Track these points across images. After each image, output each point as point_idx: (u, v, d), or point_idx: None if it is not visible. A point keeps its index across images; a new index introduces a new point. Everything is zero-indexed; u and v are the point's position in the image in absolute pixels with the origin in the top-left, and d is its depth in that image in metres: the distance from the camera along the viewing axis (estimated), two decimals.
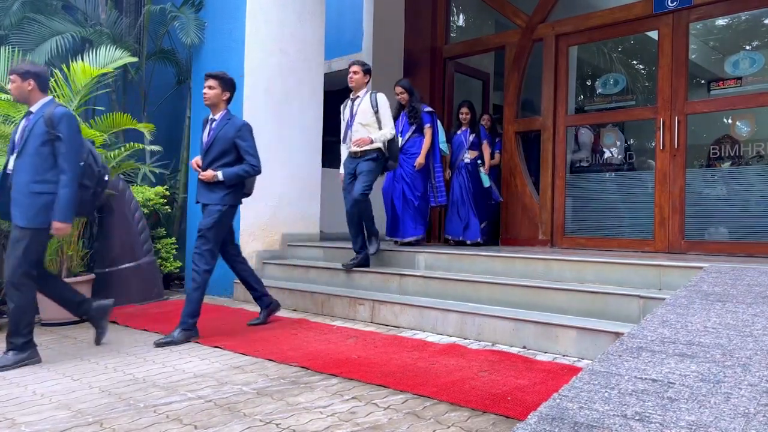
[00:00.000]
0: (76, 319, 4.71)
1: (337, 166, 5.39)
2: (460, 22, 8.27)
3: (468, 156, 6.22)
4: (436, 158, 5.81)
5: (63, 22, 6.20)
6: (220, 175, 4.04)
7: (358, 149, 4.88)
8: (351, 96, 5.06)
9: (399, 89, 5.71)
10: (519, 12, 6.58)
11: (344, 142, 5.06)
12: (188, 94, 6.82)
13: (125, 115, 5.35)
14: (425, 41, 7.40)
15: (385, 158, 5.02)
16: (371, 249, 5.14)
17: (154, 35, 7.05)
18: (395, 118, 5.62)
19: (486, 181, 6.31)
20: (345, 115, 5.08)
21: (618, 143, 6.25)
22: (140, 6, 6.98)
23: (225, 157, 4.10)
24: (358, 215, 4.94)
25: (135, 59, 5.77)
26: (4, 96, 4.54)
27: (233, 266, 4.48)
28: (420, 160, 5.57)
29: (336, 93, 8.28)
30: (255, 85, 5.82)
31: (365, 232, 5.09)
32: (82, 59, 5.13)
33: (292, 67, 6.11)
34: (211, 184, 4.08)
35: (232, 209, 4.20)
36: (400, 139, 5.56)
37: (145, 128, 5.48)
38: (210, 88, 4.11)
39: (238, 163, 4.12)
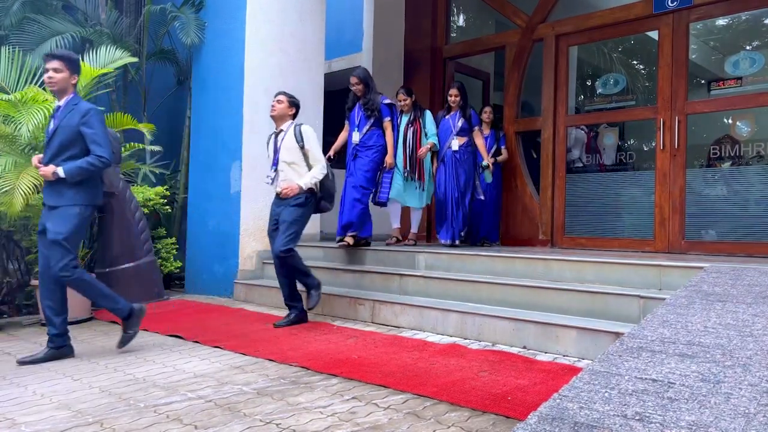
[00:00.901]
0: (76, 318, 4.72)
1: (337, 166, 5.38)
2: (460, 22, 8.26)
3: (456, 142, 5.68)
4: (393, 154, 5.42)
5: (63, 22, 6.21)
6: (60, 171, 3.39)
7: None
8: (275, 129, 4.53)
9: (354, 79, 5.31)
10: (519, 12, 6.58)
11: (269, 183, 4.47)
12: (188, 94, 6.82)
13: (125, 115, 5.36)
14: (425, 41, 7.40)
15: (317, 198, 4.47)
16: (310, 302, 4.40)
17: (154, 35, 7.05)
18: (349, 110, 5.45)
19: (487, 178, 5.95)
20: (269, 152, 4.55)
21: (615, 143, 6.25)
22: (140, 6, 6.98)
23: (70, 150, 3.47)
24: (286, 273, 4.33)
25: (135, 59, 5.78)
26: (4, 96, 4.54)
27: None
28: (389, 159, 5.30)
29: (336, 93, 8.29)
30: (255, 85, 5.82)
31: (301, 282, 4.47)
32: (83, 59, 5.13)
33: (292, 67, 6.11)
34: (56, 183, 3.44)
35: (89, 210, 3.56)
36: (356, 133, 5.31)
37: (146, 128, 5.48)
38: (55, 71, 3.47)
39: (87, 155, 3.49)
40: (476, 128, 5.75)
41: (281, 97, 4.51)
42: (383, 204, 5.61)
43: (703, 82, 5.71)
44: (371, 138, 5.28)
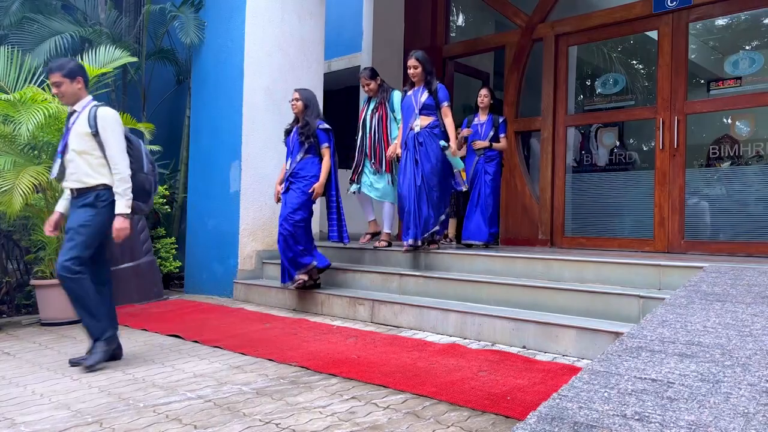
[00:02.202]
0: (75, 318, 4.72)
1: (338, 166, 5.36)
2: (460, 21, 8.27)
3: (418, 123, 4.84)
4: (332, 186, 4.92)
5: (62, 22, 6.20)
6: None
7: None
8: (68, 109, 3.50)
9: (295, 95, 4.85)
10: (519, 12, 6.58)
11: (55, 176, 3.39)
12: (188, 94, 6.82)
13: (125, 114, 5.35)
14: (425, 41, 7.40)
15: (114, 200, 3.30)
16: (89, 358, 3.25)
17: (154, 35, 7.05)
18: (287, 134, 4.95)
19: (457, 164, 5.00)
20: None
21: (614, 143, 6.25)
22: (140, 6, 6.98)
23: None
24: (72, 298, 3.22)
25: (134, 59, 5.78)
26: (3, 96, 4.54)
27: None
28: (317, 188, 4.73)
29: (336, 93, 8.30)
30: (255, 84, 5.82)
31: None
32: (82, 59, 5.14)
33: (291, 66, 6.11)
34: None
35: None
36: (288, 163, 4.81)
37: (145, 128, 5.48)
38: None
39: None
40: (444, 104, 4.86)
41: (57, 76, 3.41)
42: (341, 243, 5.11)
43: (702, 81, 5.71)
44: (305, 167, 4.78)
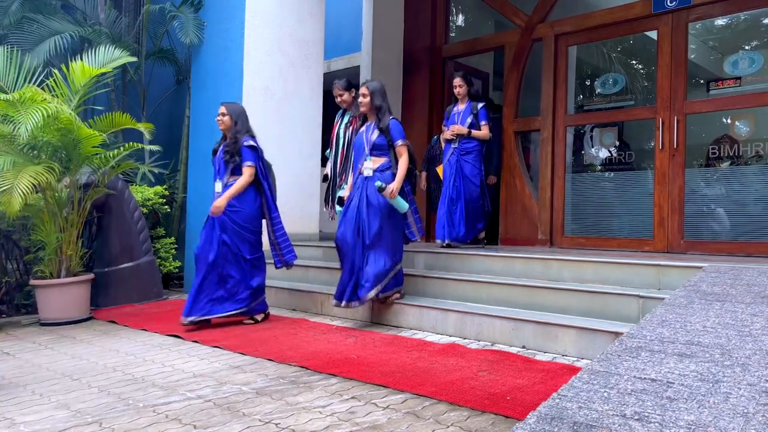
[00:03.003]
0: (74, 318, 4.72)
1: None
2: (460, 21, 8.26)
3: (368, 166, 4.21)
4: (273, 207, 4.46)
5: (62, 22, 6.20)
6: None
7: None
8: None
9: (222, 109, 4.42)
10: (518, 12, 6.57)
11: None
12: (187, 94, 6.82)
13: (124, 114, 5.35)
14: (425, 41, 7.39)
15: None
16: None
17: (154, 35, 7.05)
18: (214, 153, 4.53)
19: (401, 206, 4.14)
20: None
21: (614, 143, 6.24)
22: (139, 5, 6.98)
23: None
24: None
25: (134, 59, 5.77)
26: (3, 96, 4.54)
27: None
28: (219, 204, 4.22)
29: None
30: (254, 85, 5.82)
31: None
32: (81, 59, 5.13)
33: (291, 67, 6.11)
34: None
35: None
36: (218, 183, 4.38)
37: (145, 128, 5.48)
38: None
39: None
40: (399, 143, 4.17)
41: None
42: (289, 264, 4.52)
43: (702, 81, 5.71)
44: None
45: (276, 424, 2.36)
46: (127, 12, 6.96)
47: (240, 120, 4.42)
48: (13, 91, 4.73)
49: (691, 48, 5.49)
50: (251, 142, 4.36)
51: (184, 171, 6.77)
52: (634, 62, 6.64)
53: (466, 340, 3.86)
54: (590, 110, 6.38)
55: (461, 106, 5.54)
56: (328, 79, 7.01)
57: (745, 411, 1.52)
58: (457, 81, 5.53)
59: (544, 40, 6.29)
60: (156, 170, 6.66)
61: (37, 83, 5.01)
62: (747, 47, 5.47)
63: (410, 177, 4.37)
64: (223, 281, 4.31)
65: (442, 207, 5.46)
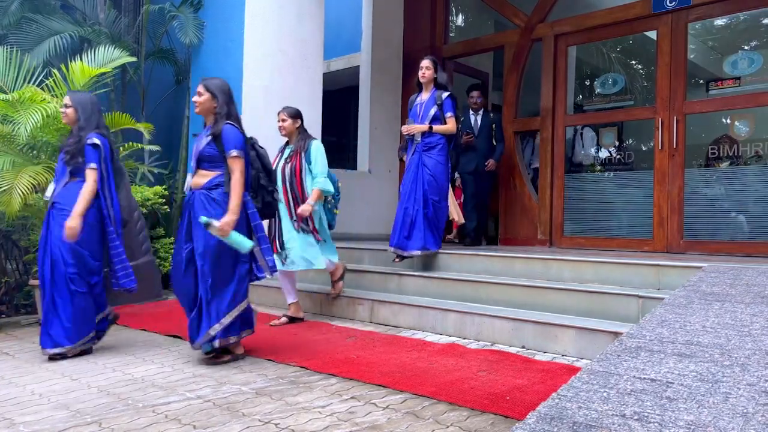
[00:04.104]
0: None
1: (337, 166, 5.30)
2: (460, 22, 8.26)
3: (187, 181, 3.52)
4: (108, 221, 3.61)
5: (61, 22, 6.21)
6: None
7: None
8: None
9: (66, 99, 3.70)
10: (518, 12, 6.57)
11: None
12: (187, 94, 6.82)
13: (124, 114, 5.35)
14: (424, 41, 7.39)
15: None
16: None
17: (153, 35, 7.05)
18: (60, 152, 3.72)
19: (242, 245, 3.20)
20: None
21: (613, 143, 6.25)
22: (139, 5, 6.98)
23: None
24: None
25: (134, 59, 5.77)
26: (2, 96, 4.54)
27: None
28: (71, 224, 3.35)
29: (335, 93, 8.28)
30: (254, 85, 5.81)
31: None
32: (81, 59, 5.13)
33: (290, 66, 6.10)
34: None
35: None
36: (51, 186, 3.68)
37: (144, 128, 5.48)
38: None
39: None
40: (233, 153, 3.27)
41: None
42: (130, 290, 3.82)
43: (701, 81, 5.71)
44: (66, 195, 3.52)
45: (276, 424, 2.36)
46: (127, 12, 6.96)
47: (87, 112, 3.65)
48: (13, 91, 4.73)
49: (690, 48, 5.49)
50: (95, 140, 3.55)
51: (183, 171, 6.78)
52: (633, 62, 6.65)
53: (466, 340, 3.86)
54: (590, 110, 6.39)
55: (425, 96, 4.83)
56: (328, 79, 7.01)
57: (745, 411, 1.52)
58: (425, 62, 4.79)
59: (544, 40, 6.29)
60: (155, 170, 6.66)
61: (37, 83, 5.01)
62: (746, 47, 5.47)
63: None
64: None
65: (399, 209, 4.76)
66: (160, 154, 6.58)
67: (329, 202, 4.41)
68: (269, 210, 3.67)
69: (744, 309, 2.54)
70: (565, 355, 3.46)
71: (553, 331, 3.56)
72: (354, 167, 7.31)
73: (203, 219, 3.11)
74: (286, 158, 4.33)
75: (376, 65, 7.36)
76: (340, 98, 8.45)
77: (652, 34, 5.70)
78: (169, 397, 2.74)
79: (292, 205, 4.25)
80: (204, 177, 3.34)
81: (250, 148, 3.50)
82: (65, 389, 2.90)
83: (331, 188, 4.29)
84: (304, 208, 4.15)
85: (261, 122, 5.84)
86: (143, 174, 6.51)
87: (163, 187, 6.36)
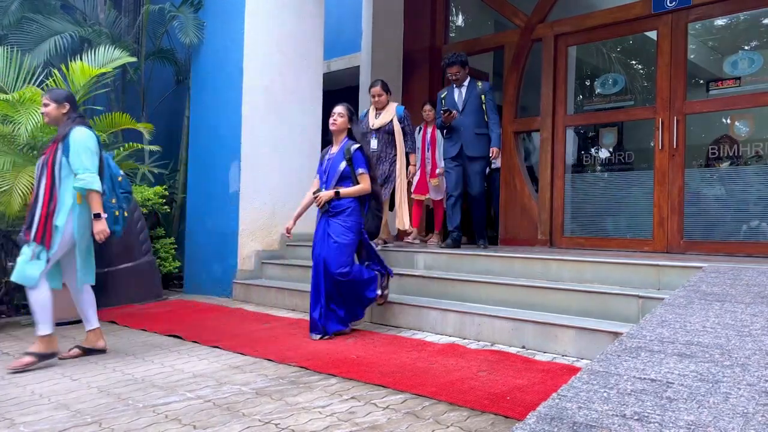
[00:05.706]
0: (74, 319, 4.71)
1: None
2: (460, 22, 8.26)
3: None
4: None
5: (62, 22, 6.20)
6: None
7: None
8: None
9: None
10: (518, 12, 6.58)
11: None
12: (187, 94, 6.82)
13: (124, 114, 5.35)
14: (424, 41, 7.40)
15: None
16: None
17: (153, 35, 7.05)
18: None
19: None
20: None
21: (614, 143, 6.25)
22: (139, 6, 6.97)
23: None
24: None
25: (134, 59, 5.77)
26: (2, 96, 4.54)
27: None
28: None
29: (335, 93, 8.28)
30: (254, 85, 5.82)
31: None
32: (81, 59, 5.13)
33: (291, 66, 6.10)
34: None
35: None
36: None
37: (144, 128, 5.48)
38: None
39: None
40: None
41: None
42: None
43: (701, 82, 5.71)
44: None
45: (276, 425, 2.36)
46: (127, 12, 6.96)
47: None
48: (13, 92, 4.73)
49: (690, 48, 5.49)
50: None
51: (183, 171, 6.78)
52: (633, 62, 6.64)
53: (466, 341, 3.86)
54: (590, 110, 6.39)
55: (334, 149, 4.15)
56: (328, 79, 7.01)
57: (745, 411, 1.52)
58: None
59: (544, 40, 6.29)
60: (156, 170, 6.66)
61: (37, 83, 5.01)
62: (746, 47, 5.47)
63: None
64: None
65: (312, 282, 4.07)
66: (160, 154, 6.57)
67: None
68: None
69: (744, 309, 2.54)
70: (565, 355, 3.46)
71: (553, 331, 3.56)
72: None
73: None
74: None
75: (376, 65, 7.37)
76: (340, 98, 8.44)
77: (652, 34, 5.70)
78: (169, 397, 2.74)
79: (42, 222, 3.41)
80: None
81: None
82: (65, 389, 2.90)
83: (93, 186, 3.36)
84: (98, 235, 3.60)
85: (261, 122, 5.85)
86: (143, 174, 6.51)
87: (164, 187, 6.36)
